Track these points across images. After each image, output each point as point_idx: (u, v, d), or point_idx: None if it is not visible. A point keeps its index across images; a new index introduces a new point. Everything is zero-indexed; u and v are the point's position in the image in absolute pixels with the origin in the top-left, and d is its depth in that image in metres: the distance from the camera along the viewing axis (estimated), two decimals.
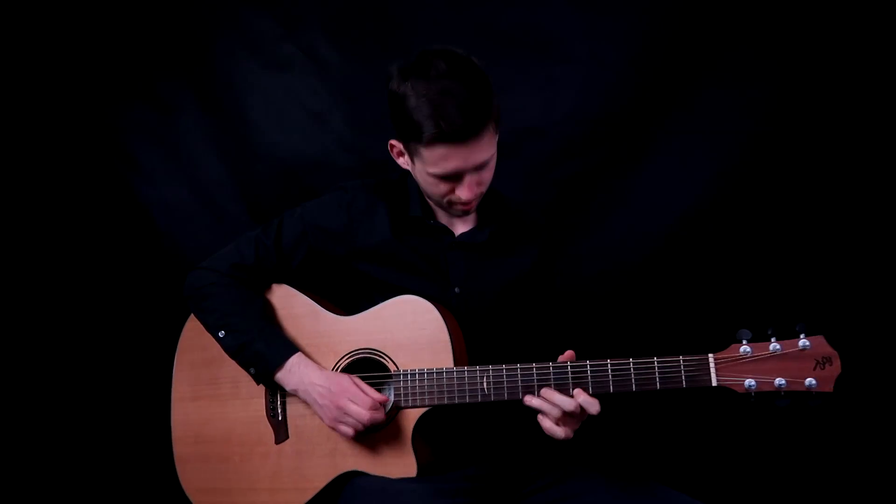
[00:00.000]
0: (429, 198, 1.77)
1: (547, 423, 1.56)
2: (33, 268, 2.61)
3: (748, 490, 2.49)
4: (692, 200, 2.52)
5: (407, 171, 1.83)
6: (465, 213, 1.75)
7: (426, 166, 1.63)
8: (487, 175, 1.68)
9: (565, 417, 1.54)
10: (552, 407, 1.54)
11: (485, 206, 1.82)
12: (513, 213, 1.87)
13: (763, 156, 2.48)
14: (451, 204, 1.71)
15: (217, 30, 2.64)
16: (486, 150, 1.61)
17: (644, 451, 2.54)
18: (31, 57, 2.59)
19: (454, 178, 1.63)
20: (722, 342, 1.53)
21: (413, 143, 1.62)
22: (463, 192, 1.65)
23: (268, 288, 1.85)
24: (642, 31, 2.48)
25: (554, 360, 1.59)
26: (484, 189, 1.70)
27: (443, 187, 1.66)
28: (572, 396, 1.53)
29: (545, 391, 1.55)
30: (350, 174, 2.59)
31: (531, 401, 1.56)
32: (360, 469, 1.69)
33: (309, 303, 1.82)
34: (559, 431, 1.55)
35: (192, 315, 1.90)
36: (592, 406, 1.52)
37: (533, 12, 2.53)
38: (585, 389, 1.54)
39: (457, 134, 1.55)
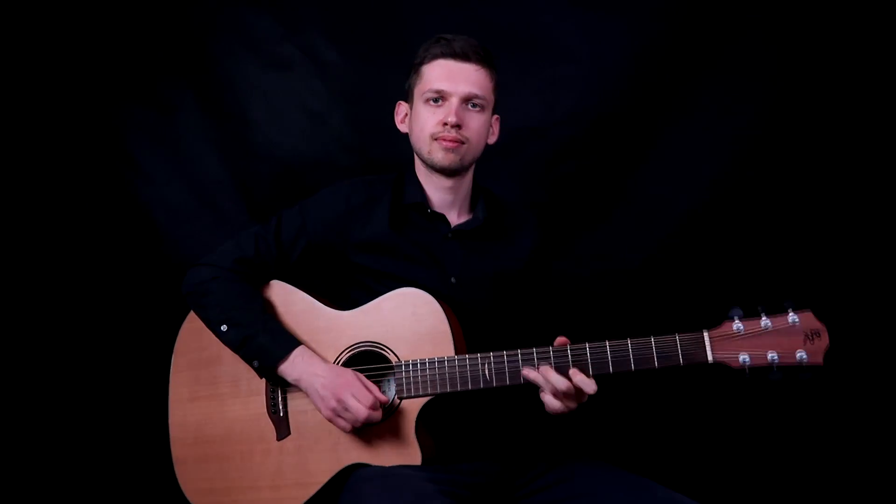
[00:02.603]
0: (419, 151, 1.81)
1: (546, 397, 1.59)
2: (33, 267, 2.61)
3: (747, 472, 2.51)
4: (693, 200, 2.53)
5: (402, 169, 1.87)
6: (452, 161, 1.76)
7: (423, 87, 1.78)
8: (474, 123, 1.78)
9: (563, 394, 1.57)
10: (546, 382, 1.57)
11: (477, 200, 1.87)
12: (505, 207, 1.92)
13: (763, 155, 2.48)
14: (435, 140, 1.76)
15: (217, 30, 2.65)
16: (479, 82, 1.77)
17: (643, 438, 2.54)
18: (32, 57, 2.59)
19: (444, 97, 1.75)
20: (715, 324, 1.55)
21: (418, 67, 1.80)
22: (449, 115, 1.74)
23: (266, 285, 1.86)
24: (642, 31, 2.49)
25: (549, 345, 1.62)
26: (470, 136, 1.77)
27: (431, 119, 1.76)
28: (569, 378, 1.56)
29: (543, 368, 1.58)
30: (350, 174, 2.57)
31: (528, 373, 1.59)
32: (363, 461, 1.69)
33: (307, 299, 1.82)
34: (556, 405, 1.58)
35: (188, 316, 1.90)
36: (588, 386, 1.55)
37: (533, 12, 2.54)
38: (585, 370, 1.56)
39: (458, 54, 1.75)
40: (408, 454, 1.67)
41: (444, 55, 1.76)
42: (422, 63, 1.79)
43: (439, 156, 1.77)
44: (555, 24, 2.53)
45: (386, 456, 1.68)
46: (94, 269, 2.65)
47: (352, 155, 2.64)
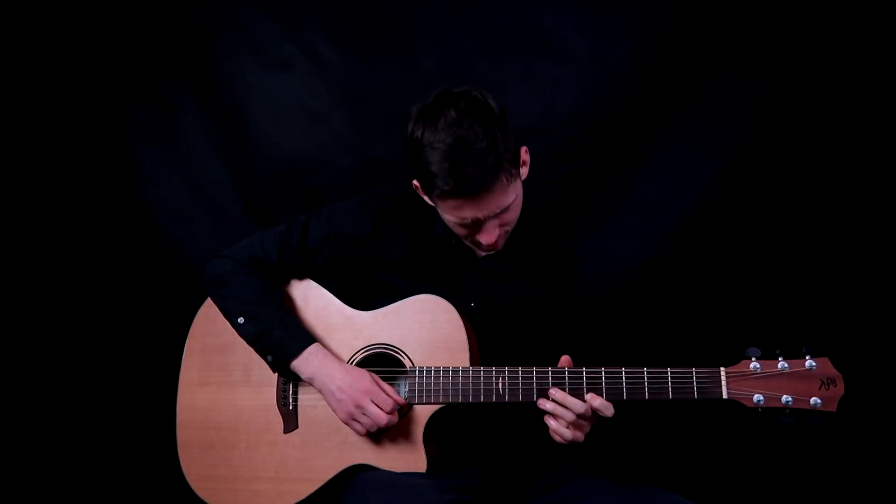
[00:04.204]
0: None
1: (554, 424, 1.57)
2: (33, 266, 2.61)
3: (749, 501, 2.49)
4: (692, 200, 2.53)
5: None
6: (490, 251, 1.74)
7: (443, 213, 1.65)
8: (510, 217, 1.65)
9: (577, 421, 1.56)
10: (565, 410, 1.56)
11: (513, 231, 1.78)
12: (540, 241, 1.87)
13: (763, 156, 2.48)
14: (475, 244, 1.71)
15: (217, 30, 2.65)
16: (501, 198, 1.58)
17: (648, 459, 2.53)
18: (32, 57, 2.59)
19: (473, 225, 1.63)
20: (722, 348, 1.57)
21: (427, 194, 1.65)
22: (482, 237, 1.64)
23: (287, 281, 1.86)
24: (642, 30, 2.49)
25: (553, 364, 1.61)
26: (509, 229, 1.69)
27: (463, 231, 1.66)
28: (585, 400, 1.55)
29: (557, 394, 1.56)
30: (350, 174, 2.61)
31: (545, 404, 1.57)
32: (368, 462, 1.69)
33: (327, 296, 1.82)
34: (567, 434, 1.57)
35: (205, 302, 1.90)
36: (608, 409, 1.54)
37: (533, 12, 2.54)
38: (599, 395, 1.56)
39: (466, 190, 1.54)
40: (414, 460, 1.66)
41: (453, 195, 1.55)
42: (430, 192, 1.60)
43: (482, 252, 1.74)
44: (555, 24, 2.53)
45: (392, 459, 1.68)
46: (93, 269, 2.65)
47: (352, 155, 2.64)
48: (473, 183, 1.52)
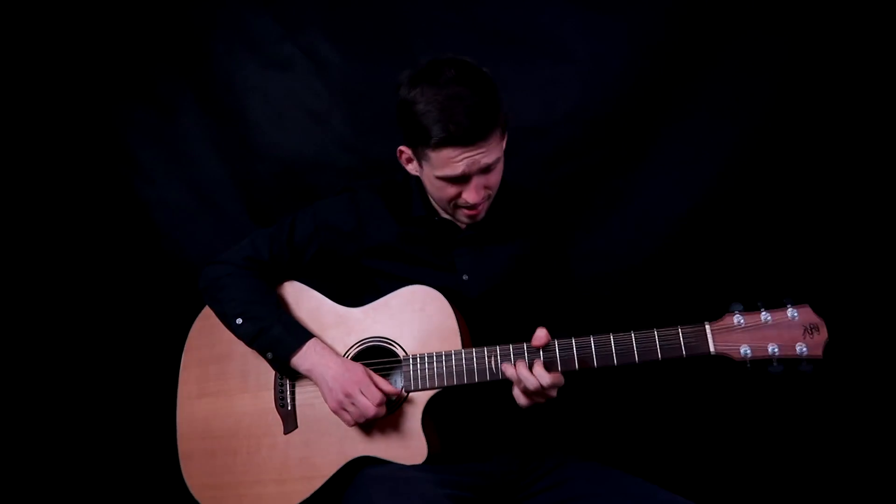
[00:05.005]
0: (437, 203, 1.79)
1: (515, 391, 1.62)
2: (33, 267, 2.61)
3: (747, 468, 2.51)
4: (693, 200, 2.53)
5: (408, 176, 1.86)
6: (472, 220, 1.77)
7: (434, 170, 1.67)
8: (494, 179, 1.70)
9: (526, 391, 1.60)
10: (519, 381, 1.60)
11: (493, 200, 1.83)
12: (516, 198, 1.90)
13: (763, 155, 2.49)
14: (457, 208, 1.73)
15: (217, 30, 2.65)
16: (492, 152, 1.65)
17: (644, 436, 2.55)
18: (32, 57, 2.60)
19: (461, 180, 1.66)
20: (715, 318, 1.57)
21: (421, 147, 1.66)
22: (470, 195, 1.68)
23: (278, 284, 1.88)
24: (642, 30, 2.49)
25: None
26: (492, 193, 1.73)
27: (450, 191, 1.69)
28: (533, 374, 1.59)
29: (519, 366, 1.60)
30: (350, 174, 2.61)
31: (507, 369, 1.61)
32: (369, 454, 1.70)
33: (317, 296, 1.85)
34: (523, 400, 1.61)
35: (200, 314, 1.92)
36: (543, 378, 1.57)
37: (533, 12, 2.54)
38: (590, 363, 1.59)
39: (464, 137, 1.59)
40: (414, 448, 1.68)
41: (450, 142, 1.60)
42: (425, 143, 1.63)
43: (463, 219, 1.77)
44: (555, 23, 2.53)
45: (392, 449, 1.69)
46: (93, 269, 2.65)
47: (352, 155, 2.64)
48: (469, 128, 1.59)
